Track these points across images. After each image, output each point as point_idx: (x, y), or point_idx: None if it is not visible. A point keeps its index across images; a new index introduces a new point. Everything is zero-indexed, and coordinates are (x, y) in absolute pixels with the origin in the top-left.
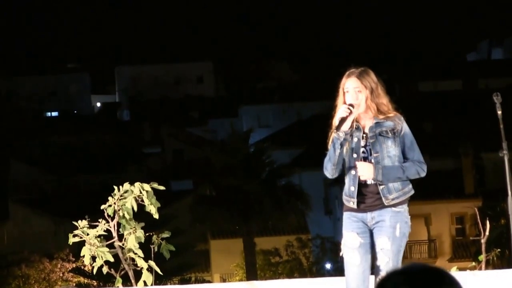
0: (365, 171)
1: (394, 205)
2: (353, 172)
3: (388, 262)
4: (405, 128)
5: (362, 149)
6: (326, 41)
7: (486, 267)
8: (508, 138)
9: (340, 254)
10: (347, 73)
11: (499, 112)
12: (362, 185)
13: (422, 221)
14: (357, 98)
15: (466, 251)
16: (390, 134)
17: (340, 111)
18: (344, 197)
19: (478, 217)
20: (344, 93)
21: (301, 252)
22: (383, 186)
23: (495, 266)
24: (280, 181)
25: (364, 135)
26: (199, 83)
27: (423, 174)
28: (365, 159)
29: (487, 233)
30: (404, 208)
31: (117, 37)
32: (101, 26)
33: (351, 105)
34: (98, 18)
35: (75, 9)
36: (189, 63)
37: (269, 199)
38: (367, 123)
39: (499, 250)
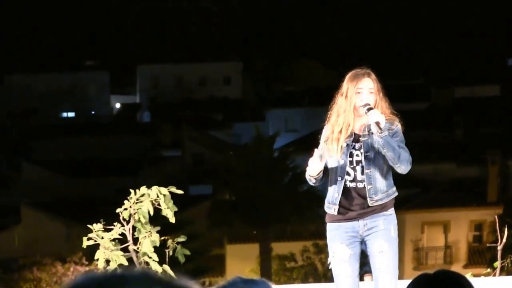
0: (378, 115)
1: (385, 209)
2: (339, 178)
3: (388, 264)
4: (398, 127)
5: (356, 152)
6: (357, 44)
7: (501, 274)
8: None
9: (329, 267)
10: (355, 73)
11: None
12: (348, 189)
13: (440, 228)
14: (370, 100)
15: (481, 258)
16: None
17: (377, 114)
18: (327, 205)
19: (497, 224)
20: (354, 94)
21: (317, 258)
22: (370, 186)
23: (509, 273)
24: (302, 187)
25: (356, 137)
26: (226, 85)
27: (409, 167)
28: (358, 162)
29: (504, 240)
30: (393, 211)
31: (139, 34)
32: (123, 21)
33: (368, 104)
34: (119, 13)
35: (94, 3)
36: (217, 63)
37: (290, 205)
38: (360, 124)
39: None
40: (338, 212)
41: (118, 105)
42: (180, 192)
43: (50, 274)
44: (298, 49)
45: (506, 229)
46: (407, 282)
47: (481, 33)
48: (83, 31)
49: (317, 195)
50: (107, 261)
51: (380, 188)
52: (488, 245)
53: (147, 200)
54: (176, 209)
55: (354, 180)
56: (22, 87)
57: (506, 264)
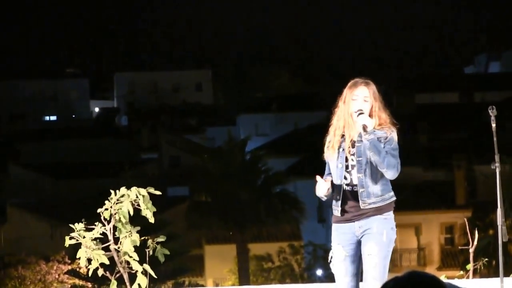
0: (365, 119)
1: (380, 212)
2: (338, 181)
3: (375, 266)
4: (392, 136)
5: (351, 157)
6: (323, 53)
7: (474, 276)
8: (502, 151)
9: (330, 265)
10: (354, 81)
11: (493, 125)
12: (345, 193)
13: (412, 230)
14: (364, 107)
15: (454, 260)
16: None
17: (365, 118)
18: (332, 206)
19: (468, 227)
20: (351, 100)
21: (293, 259)
22: (362, 190)
23: (482, 275)
24: (275, 189)
25: (352, 142)
26: (198, 91)
27: (396, 174)
28: (353, 166)
29: (475, 242)
30: (390, 215)
31: (116, 44)
32: (101, 32)
33: (360, 110)
34: (98, 24)
35: (75, 14)
36: (188, 70)
37: (264, 206)
38: (357, 132)
39: (486, 259)
40: (339, 214)
41: (97, 110)
42: (158, 193)
43: (34, 272)
44: (265, 58)
45: (476, 232)
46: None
47: (439, 42)
48: (65, 41)
49: (291, 197)
50: (89, 260)
51: (374, 192)
52: (460, 247)
53: (127, 200)
54: (155, 209)
55: (350, 184)
56: (8, 93)
57: (478, 267)
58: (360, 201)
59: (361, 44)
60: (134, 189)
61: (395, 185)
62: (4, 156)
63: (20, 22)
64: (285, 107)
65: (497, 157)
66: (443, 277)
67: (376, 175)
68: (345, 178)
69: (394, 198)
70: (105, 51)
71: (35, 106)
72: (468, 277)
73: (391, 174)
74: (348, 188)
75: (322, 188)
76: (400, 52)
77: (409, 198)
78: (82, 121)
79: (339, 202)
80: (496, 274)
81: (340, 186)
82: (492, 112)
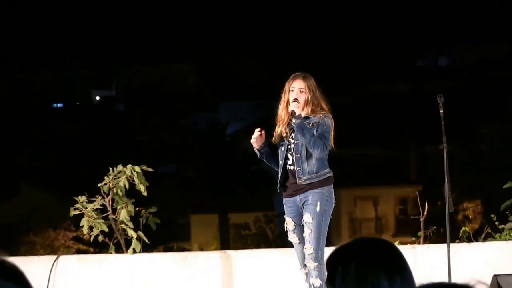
0: (294, 107)
1: (315, 187)
2: (280, 162)
3: (310, 233)
4: (324, 121)
5: (292, 140)
6: (292, 45)
7: (424, 242)
8: (448, 134)
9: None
10: (293, 75)
11: (441, 111)
12: (287, 171)
13: (371, 202)
14: (299, 96)
15: (407, 228)
16: (311, 127)
17: (294, 106)
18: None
19: (419, 200)
20: (289, 91)
21: (267, 227)
22: (299, 168)
23: (432, 241)
24: (252, 167)
25: (290, 129)
26: (185, 81)
27: (322, 153)
28: (293, 148)
29: (425, 213)
30: (326, 189)
31: (116, 39)
32: (103, 27)
33: (296, 99)
34: (100, 21)
35: (80, 13)
36: (176, 63)
37: (242, 181)
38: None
39: (435, 227)
40: (283, 191)
41: (98, 98)
42: (150, 169)
43: (44, 238)
44: (244, 51)
45: (426, 204)
46: None
47: (394, 39)
48: (69, 37)
49: (266, 174)
50: (91, 228)
51: (309, 170)
52: (412, 217)
53: (123, 176)
54: (147, 184)
55: (292, 164)
56: (20, 83)
57: (428, 234)
58: (296, 178)
59: (323, 36)
60: (129, 166)
61: (357, 163)
62: (18, 138)
63: (29, 18)
64: (261, 95)
65: (444, 139)
66: (397, 242)
67: (311, 155)
68: (288, 158)
69: (330, 175)
70: (106, 46)
71: (43, 94)
72: (419, 243)
73: (317, 153)
74: (290, 167)
75: (257, 139)
76: (358, 44)
77: (368, 174)
78: (85, 108)
79: (279, 180)
80: (444, 240)
81: (282, 166)
82: (440, 100)
